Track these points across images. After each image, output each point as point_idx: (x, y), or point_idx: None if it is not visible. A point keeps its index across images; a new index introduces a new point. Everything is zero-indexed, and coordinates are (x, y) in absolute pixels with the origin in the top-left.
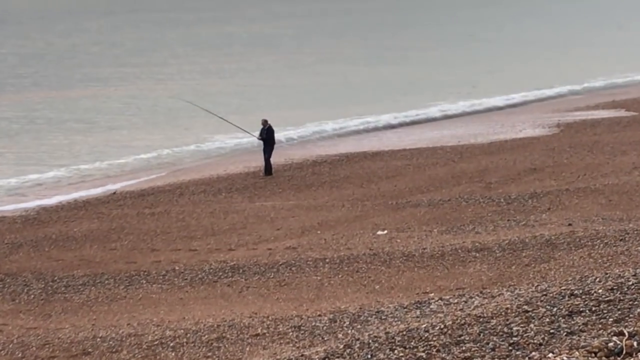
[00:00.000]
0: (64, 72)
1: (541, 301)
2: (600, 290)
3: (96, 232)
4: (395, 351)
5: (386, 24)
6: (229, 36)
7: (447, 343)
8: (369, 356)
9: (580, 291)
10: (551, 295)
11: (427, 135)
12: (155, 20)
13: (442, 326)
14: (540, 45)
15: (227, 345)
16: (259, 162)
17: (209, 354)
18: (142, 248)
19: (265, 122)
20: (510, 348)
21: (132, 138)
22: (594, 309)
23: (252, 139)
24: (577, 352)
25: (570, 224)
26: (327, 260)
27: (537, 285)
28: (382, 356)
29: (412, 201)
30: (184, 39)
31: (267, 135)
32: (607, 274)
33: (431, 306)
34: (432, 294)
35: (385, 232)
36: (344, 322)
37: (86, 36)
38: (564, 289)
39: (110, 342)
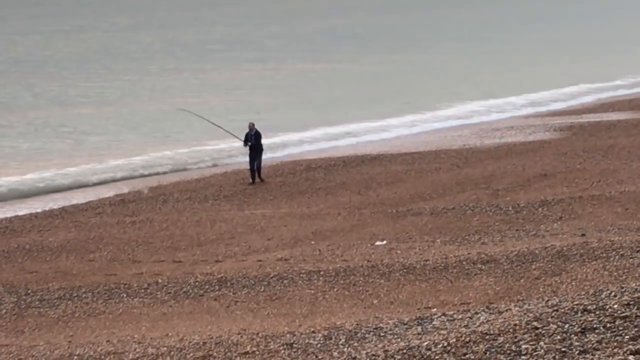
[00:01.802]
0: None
1: (552, 317)
2: (615, 306)
3: (73, 242)
4: None
5: (386, 24)
6: (215, 37)
7: None
8: None
9: (594, 306)
10: (563, 310)
11: (430, 138)
12: (142, 21)
13: (446, 344)
14: (549, 46)
15: None
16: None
17: None
18: (122, 259)
19: (252, 126)
20: None
21: (110, 142)
22: (608, 325)
23: (240, 144)
24: None
25: (583, 234)
26: (322, 273)
27: (548, 300)
28: None
29: (413, 209)
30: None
31: (255, 141)
32: (622, 287)
33: (434, 322)
34: (435, 309)
35: (384, 242)
36: (340, 340)
37: (51, 36)
38: (577, 304)
39: None
